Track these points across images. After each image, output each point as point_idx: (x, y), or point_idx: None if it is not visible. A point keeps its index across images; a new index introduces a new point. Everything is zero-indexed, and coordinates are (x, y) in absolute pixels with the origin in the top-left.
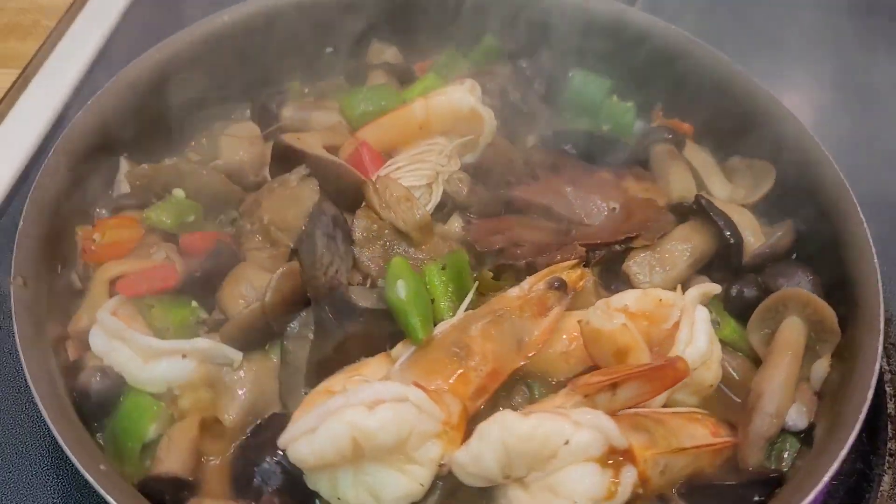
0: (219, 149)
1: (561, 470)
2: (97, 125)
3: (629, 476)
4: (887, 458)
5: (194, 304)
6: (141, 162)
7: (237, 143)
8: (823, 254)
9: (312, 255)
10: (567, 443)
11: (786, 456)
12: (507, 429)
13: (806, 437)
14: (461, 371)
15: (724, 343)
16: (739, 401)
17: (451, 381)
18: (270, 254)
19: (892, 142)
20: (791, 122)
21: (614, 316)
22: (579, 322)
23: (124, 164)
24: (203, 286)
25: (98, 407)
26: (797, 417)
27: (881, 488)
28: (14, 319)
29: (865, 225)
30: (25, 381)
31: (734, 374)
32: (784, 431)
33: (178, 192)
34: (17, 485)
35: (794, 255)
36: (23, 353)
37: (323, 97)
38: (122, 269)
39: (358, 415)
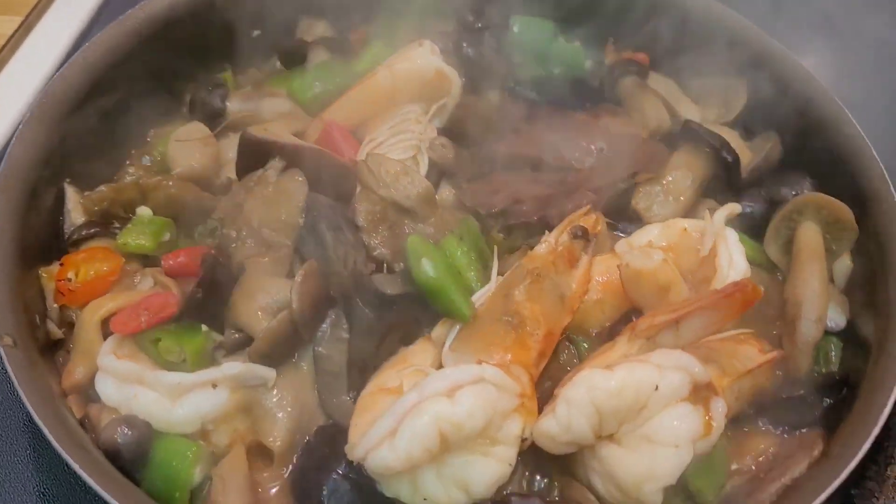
0: (170, 157)
1: (654, 417)
2: (34, 154)
3: (720, 408)
4: None
5: (204, 328)
6: (83, 188)
7: (189, 147)
8: (812, 154)
9: (325, 249)
10: (657, 388)
11: (832, 356)
12: (595, 388)
13: (846, 335)
14: (518, 339)
15: None
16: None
17: (511, 351)
18: (272, 258)
19: None
20: (753, 33)
21: (652, 253)
22: (619, 266)
23: (70, 192)
24: (206, 307)
25: (131, 462)
26: (836, 317)
27: None
28: (18, 386)
29: (853, 120)
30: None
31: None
32: (826, 333)
33: (144, 211)
34: None
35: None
36: (40, 420)
37: (260, 84)
38: (112, 306)
39: (441, 406)
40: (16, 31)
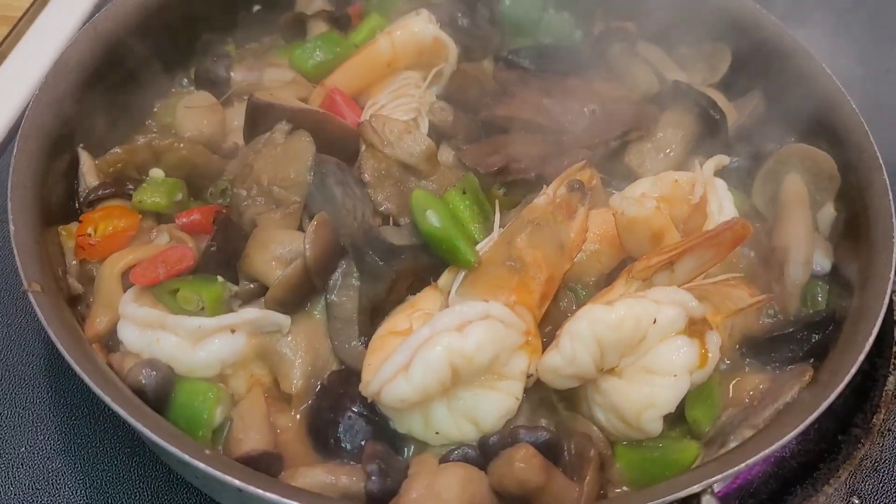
0: (179, 123)
1: (653, 349)
2: (49, 118)
3: (714, 341)
4: (892, 360)
5: (220, 279)
6: (95, 154)
7: (198, 113)
8: (796, 111)
9: (335, 204)
10: (655, 322)
11: (819, 298)
12: (596, 321)
13: (831, 278)
14: (522, 282)
15: None
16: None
17: (515, 293)
18: (283, 213)
19: None
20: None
21: (646, 201)
22: (614, 214)
23: (85, 156)
24: (221, 260)
25: (155, 402)
26: (822, 261)
27: (886, 388)
28: (48, 328)
29: (833, 77)
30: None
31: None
32: (812, 277)
33: (157, 172)
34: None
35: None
36: (74, 362)
37: (262, 57)
38: (132, 259)
39: (451, 339)
40: (32, 3)
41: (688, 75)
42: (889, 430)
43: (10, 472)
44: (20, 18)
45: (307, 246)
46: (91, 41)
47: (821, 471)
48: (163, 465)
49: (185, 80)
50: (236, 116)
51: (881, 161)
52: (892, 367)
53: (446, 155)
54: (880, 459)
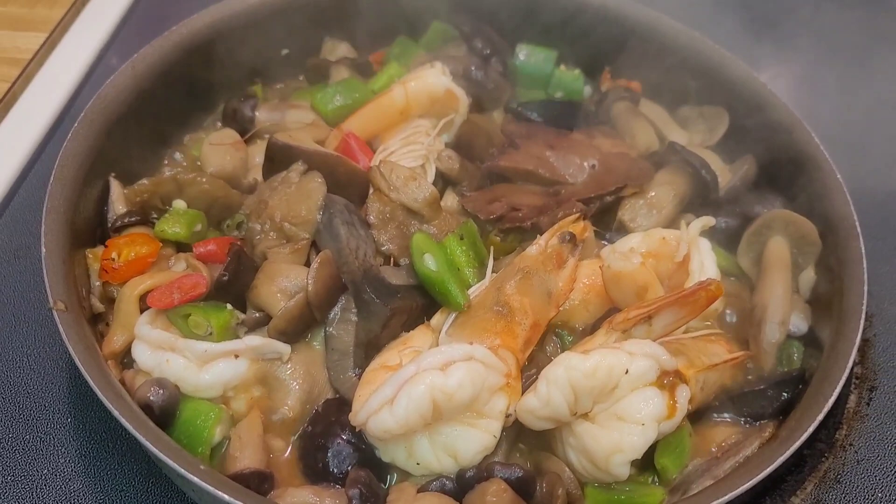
0: (204, 158)
1: (624, 398)
2: (85, 150)
3: (684, 394)
4: (853, 380)
5: (229, 306)
6: (125, 184)
7: (222, 150)
8: (785, 177)
9: (339, 242)
10: (627, 372)
11: (795, 358)
12: (572, 368)
13: (807, 339)
14: (507, 326)
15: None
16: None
17: (500, 337)
18: (292, 249)
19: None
20: (736, 67)
21: (632, 256)
22: (601, 267)
23: (115, 185)
24: (231, 289)
25: (161, 418)
26: (798, 323)
27: (847, 406)
28: (68, 343)
29: (822, 147)
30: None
31: (732, 296)
32: (788, 337)
33: (180, 204)
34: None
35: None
36: (89, 377)
37: (286, 98)
38: (150, 283)
39: (435, 377)
40: (41, 47)
41: (687, 135)
42: (850, 444)
43: (33, 494)
44: (29, 61)
45: (310, 281)
46: (128, 79)
47: (788, 483)
48: (176, 488)
49: (214, 116)
50: (258, 153)
51: (859, 230)
52: (852, 386)
53: (451, 200)
54: (843, 472)
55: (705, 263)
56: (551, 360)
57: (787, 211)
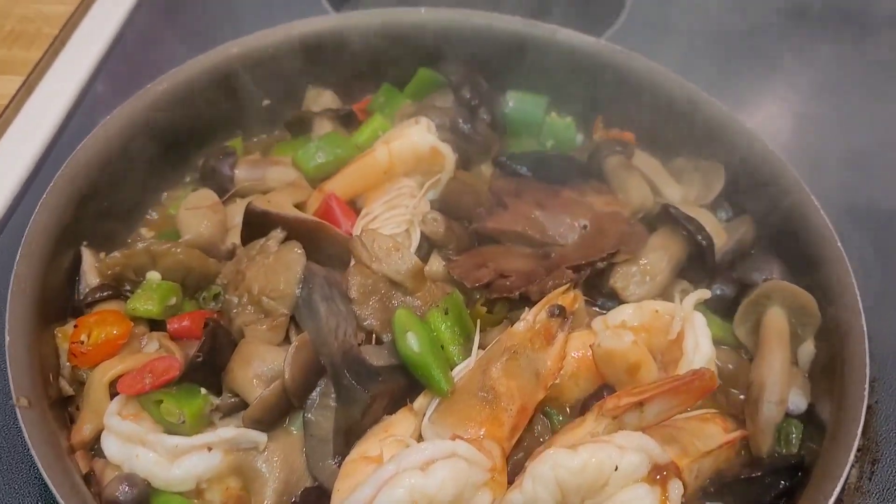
0: (180, 224)
1: (614, 496)
2: (55, 218)
3: (676, 490)
4: (855, 452)
5: (203, 391)
6: (99, 249)
7: (199, 214)
8: (784, 241)
9: (317, 323)
10: (616, 468)
11: (793, 439)
12: (559, 466)
13: (807, 417)
14: (493, 414)
15: (713, 342)
16: (735, 391)
17: (485, 426)
18: (269, 325)
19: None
20: (732, 122)
21: (623, 334)
22: (591, 346)
23: (87, 254)
24: (206, 370)
25: None
26: (797, 401)
27: (848, 481)
28: (30, 445)
29: (822, 211)
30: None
31: (728, 367)
32: (787, 416)
33: (154, 275)
34: None
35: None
36: (49, 479)
37: (267, 151)
38: (120, 369)
39: (415, 478)
40: (18, 90)
41: (683, 189)
42: None
43: None
44: (6, 107)
45: (286, 368)
46: (100, 143)
47: None
48: None
49: (193, 171)
50: (238, 213)
51: (861, 306)
52: (854, 459)
53: (436, 264)
54: None
55: (700, 342)
56: (539, 441)
57: (785, 283)
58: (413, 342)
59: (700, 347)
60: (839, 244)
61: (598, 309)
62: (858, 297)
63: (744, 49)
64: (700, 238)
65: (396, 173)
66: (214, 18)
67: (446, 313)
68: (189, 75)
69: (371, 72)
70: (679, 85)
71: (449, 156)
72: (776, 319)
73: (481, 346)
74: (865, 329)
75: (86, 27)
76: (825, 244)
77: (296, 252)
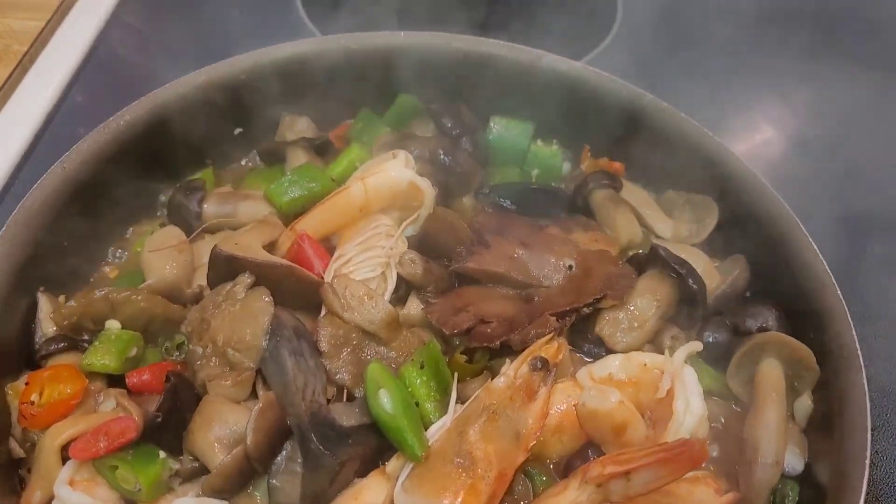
0: (145, 265)
1: None
2: (9, 264)
3: None
4: None
5: (162, 454)
6: (59, 290)
7: (164, 256)
8: (779, 284)
9: (284, 379)
10: None
11: (789, 502)
12: None
13: (804, 477)
14: (469, 482)
15: (704, 393)
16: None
17: (461, 495)
18: (234, 380)
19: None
20: (725, 154)
21: (609, 393)
22: (575, 406)
23: (44, 301)
24: (166, 431)
25: None
26: (794, 461)
27: None
28: None
29: (820, 256)
30: None
31: (721, 420)
32: (783, 476)
33: (113, 324)
34: None
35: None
36: None
37: (240, 181)
38: (73, 432)
39: None
40: None
41: (674, 224)
42: None
43: None
44: None
45: (249, 433)
46: (58, 181)
47: None
48: None
49: (162, 206)
50: (207, 251)
51: (861, 361)
52: None
53: (414, 306)
54: None
55: (691, 401)
56: None
57: (781, 335)
58: (385, 401)
59: (691, 407)
60: (839, 293)
61: (583, 356)
62: (859, 353)
63: (735, 66)
64: (691, 283)
65: (372, 210)
66: (191, 36)
67: (422, 367)
68: (154, 106)
69: (349, 97)
70: (669, 114)
71: (428, 191)
72: (771, 372)
73: (460, 399)
74: (866, 387)
75: (56, 43)
76: (824, 292)
77: (263, 301)
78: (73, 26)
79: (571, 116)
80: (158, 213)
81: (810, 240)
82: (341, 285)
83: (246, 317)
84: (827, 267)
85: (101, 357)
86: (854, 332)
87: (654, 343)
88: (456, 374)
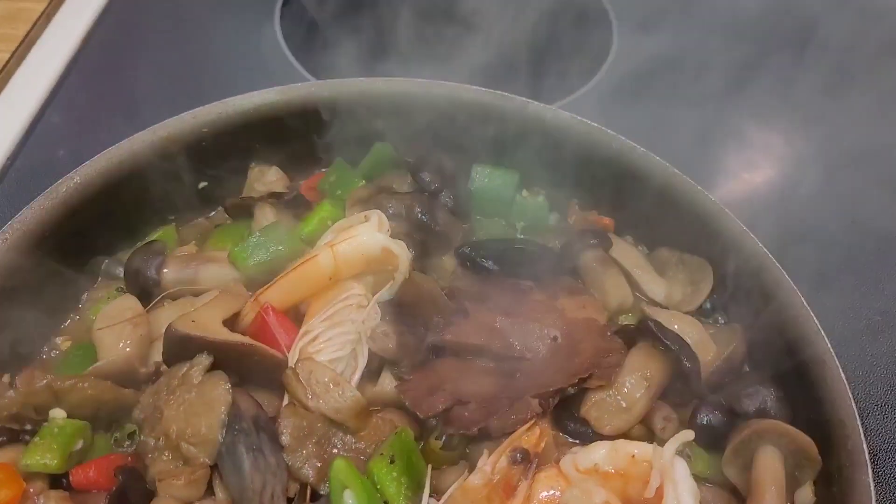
0: (96, 343)
1: None
2: None
3: None
4: None
5: None
6: (5, 368)
7: (117, 333)
8: (779, 359)
9: (241, 483)
10: None
11: None
12: None
13: None
14: None
15: (698, 478)
16: None
17: None
18: (187, 479)
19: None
20: (720, 214)
21: (594, 494)
22: None
23: None
24: None
25: None
26: None
27: None
28: None
29: (822, 333)
30: None
31: None
32: None
33: (58, 413)
34: None
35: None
36: None
37: (205, 238)
38: None
39: None
40: None
41: (667, 285)
42: None
43: None
44: None
45: None
46: (1, 253)
47: None
48: None
49: (118, 265)
50: (167, 320)
51: (866, 456)
52: None
53: (387, 382)
54: None
55: (681, 497)
56: None
57: (780, 424)
58: (349, 502)
59: None
60: (842, 374)
61: (568, 437)
62: (865, 447)
63: (727, 108)
64: (685, 361)
65: (343, 278)
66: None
67: (392, 462)
68: (106, 166)
69: (322, 145)
70: (661, 170)
71: (403, 255)
72: (770, 462)
73: (435, 492)
74: (872, 487)
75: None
76: (827, 374)
77: (221, 388)
78: (40, 56)
79: (559, 166)
80: (109, 273)
81: (811, 313)
82: (305, 370)
83: (201, 406)
84: (829, 345)
85: (42, 455)
86: (859, 423)
87: (644, 424)
88: (430, 466)
